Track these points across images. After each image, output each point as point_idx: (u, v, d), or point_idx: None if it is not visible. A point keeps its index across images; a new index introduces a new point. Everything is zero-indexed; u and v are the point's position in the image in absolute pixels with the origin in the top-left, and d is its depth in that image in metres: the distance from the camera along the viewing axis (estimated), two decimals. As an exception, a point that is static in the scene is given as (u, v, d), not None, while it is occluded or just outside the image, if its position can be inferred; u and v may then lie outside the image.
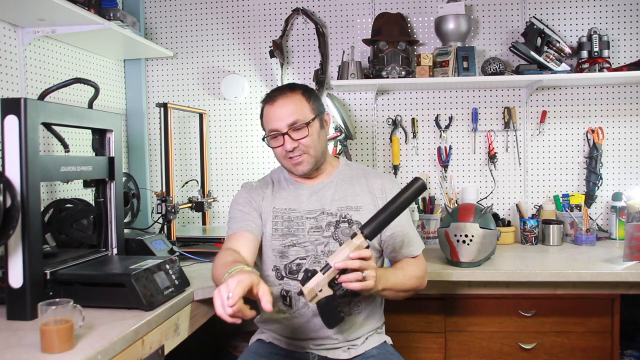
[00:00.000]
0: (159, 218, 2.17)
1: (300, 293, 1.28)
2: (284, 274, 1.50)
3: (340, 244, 1.47)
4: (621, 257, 1.93)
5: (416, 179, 1.31)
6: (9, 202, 1.27)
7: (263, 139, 1.57)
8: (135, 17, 2.30)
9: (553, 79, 2.31)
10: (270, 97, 1.53)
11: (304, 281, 1.26)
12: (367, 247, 1.27)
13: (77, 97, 2.19)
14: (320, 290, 1.25)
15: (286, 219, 1.53)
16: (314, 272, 1.26)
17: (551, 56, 2.32)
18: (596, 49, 2.32)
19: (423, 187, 1.31)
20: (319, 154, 1.53)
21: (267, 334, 1.58)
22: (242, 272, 1.13)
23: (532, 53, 2.33)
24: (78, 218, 1.73)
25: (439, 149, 2.53)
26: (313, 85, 2.51)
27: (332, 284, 1.26)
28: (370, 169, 1.70)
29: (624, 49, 2.46)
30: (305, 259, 1.49)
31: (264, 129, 1.57)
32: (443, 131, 2.53)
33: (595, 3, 2.47)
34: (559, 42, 2.33)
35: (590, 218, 2.36)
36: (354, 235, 1.28)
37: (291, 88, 1.55)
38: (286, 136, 1.48)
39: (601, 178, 2.45)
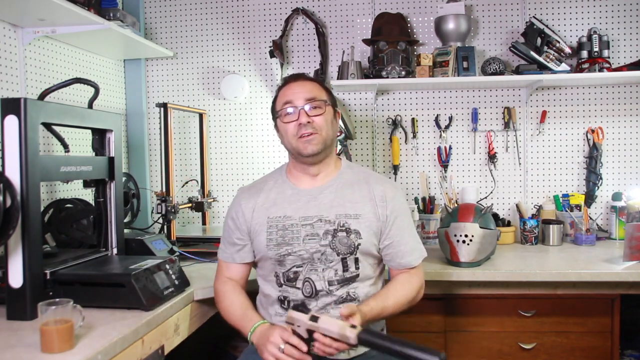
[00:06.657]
0: (159, 218, 2.17)
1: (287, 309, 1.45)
2: (282, 281, 1.49)
3: (338, 254, 1.45)
4: (621, 257, 1.93)
5: (435, 352, 1.09)
6: (9, 202, 1.27)
7: (274, 119, 1.55)
8: (135, 17, 2.30)
9: (553, 79, 2.31)
10: (288, 80, 1.55)
11: (294, 308, 1.42)
12: (355, 346, 1.23)
13: (77, 97, 2.19)
14: (299, 326, 1.30)
15: (280, 228, 1.49)
16: (305, 312, 1.33)
17: (551, 56, 2.32)
18: (596, 49, 2.32)
19: None
20: (328, 140, 1.52)
21: (266, 335, 1.57)
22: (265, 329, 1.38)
23: (532, 53, 2.33)
24: (78, 218, 1.73)
25: (439, 149, 2.53)
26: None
27: (310, 336, 1.28)
28: (373, 172, 1.66)
29: (624, 49, 2.46)
30: (301, 266, 1.47)
31: (274, 115, 1.55)
32: (443, 131, 2.53)
33: (595, 3, 2.47)
34: (559, 42, 2.33)
35: (590, 218, 2.36)
36: (352, 325, 1.22)
37: (309, 77, 1.59)
38: (302, 110, 1.48)
39: (601, 178, 2.45)
